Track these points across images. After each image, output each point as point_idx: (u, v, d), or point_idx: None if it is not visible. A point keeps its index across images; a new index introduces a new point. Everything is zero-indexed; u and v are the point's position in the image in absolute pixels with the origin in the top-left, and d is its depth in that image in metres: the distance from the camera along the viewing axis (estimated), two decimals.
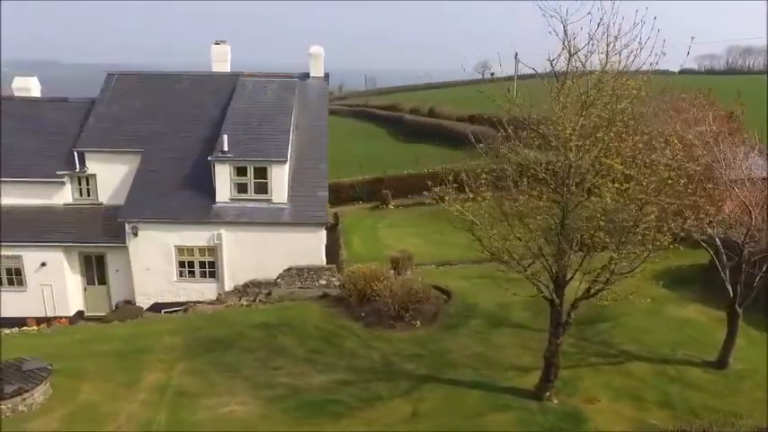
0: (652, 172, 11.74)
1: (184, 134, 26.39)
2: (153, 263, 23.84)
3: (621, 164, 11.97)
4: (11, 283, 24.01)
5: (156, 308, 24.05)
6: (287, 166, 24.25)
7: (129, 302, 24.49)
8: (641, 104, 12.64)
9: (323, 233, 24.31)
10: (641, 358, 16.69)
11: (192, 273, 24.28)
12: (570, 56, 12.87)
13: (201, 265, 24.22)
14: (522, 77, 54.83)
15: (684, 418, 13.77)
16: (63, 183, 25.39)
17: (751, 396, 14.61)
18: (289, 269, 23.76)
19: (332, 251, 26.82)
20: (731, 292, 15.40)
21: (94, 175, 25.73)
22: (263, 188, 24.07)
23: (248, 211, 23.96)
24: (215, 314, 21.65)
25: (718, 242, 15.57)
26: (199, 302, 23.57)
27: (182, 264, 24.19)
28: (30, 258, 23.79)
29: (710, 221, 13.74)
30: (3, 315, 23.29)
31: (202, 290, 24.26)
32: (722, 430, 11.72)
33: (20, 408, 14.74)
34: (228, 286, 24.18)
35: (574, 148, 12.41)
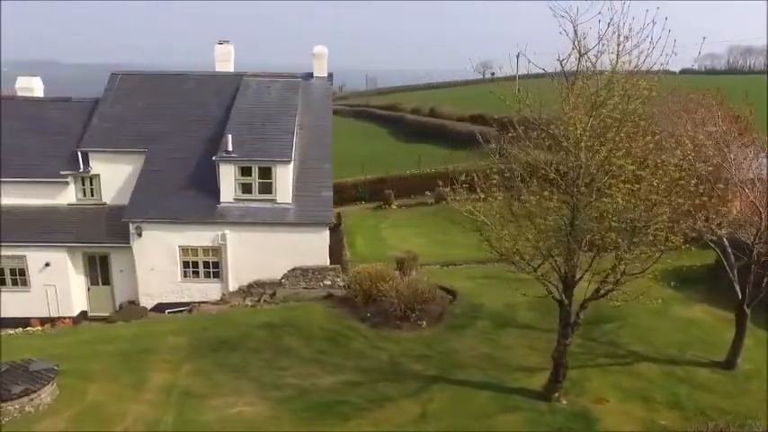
0: (664, 173, 11.70)
1: (188, 134, 26.35)
2: (157, 263, 23.80)
3: (632, 164, 11.92)
4: (14, 283, 23.98)
5: (160, 308, 24.01)
6: (291, 167, 24.23)
7: (133, 303, 24.44)
8: (652, 105, 12.59)
9: (327, 233, 24.27)
10: (649, 359, 16.65)
11: (196, 273, 24.23)
12: (580, 56, 12.84)
13: (206, 265, 24.17)
14: (523, 77, 54.87)
15: (694, 418, 13.76)
16: (67, 183, 25.35)
17: (760, 396, 14.56)
18: (293, 269, 23.72)
19: (335, 251, 26.77)
20: (739, 292, 15.36)
21: (98, 176, 25.70)
22: (267, 188, 24.03)
23: (252, 211, 23.92)
24: (220, 314, 21.62)
25: (726, 242, 15.54)
26: (203, 303, 23.55)
27: (186, 264, 24.14)
28: (33, 258, 23.75)
29: (720, 222, 13.71)
30: (7, 315, 23.23)
31: (206, 290, 24.22)
32: (738, 431, 11.67)
33: (27, 408, 14.69)
34: (233, 286, 24.14)
35: (584, 148, 12.38)
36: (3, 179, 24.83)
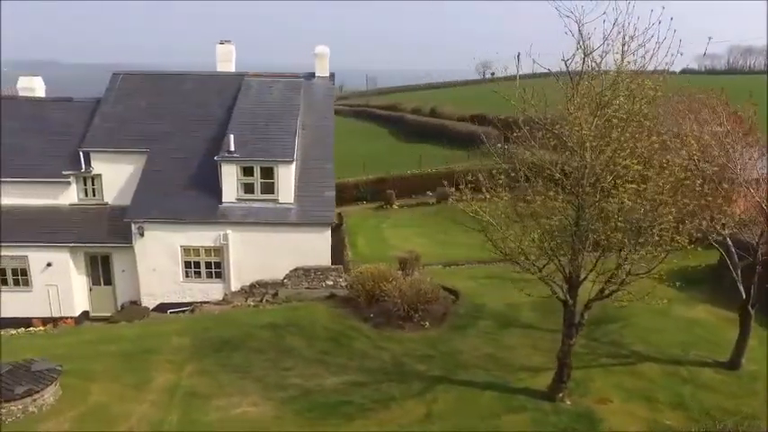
0: (670, 173, 11.69)
1: (190, 134, 26.33)
2: (159, 263, 23.78)
3: (637, 164, 11.91)
4: (16, 283, 23.97)
5: (162, 308, 24.00)
6: (293, 167, 24.20)
7: (135, 303, 24.43)
8: (657, 105, 12.57)
9: (329, 233, 24.26)
10: (652, 359, 16.63)
11: (197, 273, 24.22)
12: (585, 56, 12.83)
13: (208, 265, 24.16)
14: (525, 77, 54.77)
15: (698, 419, 13.75)
16: (68, 183, 25.34)
17: (765, 397, 14.54)
18: (295, 269, 23.70)
19: (337, 251, 26.75)
20: (743, 292, 15.35)
21: (100, 175, 25.69)
22: (269, 188, 24.00)
23: (255, 211, 23.91)
24: (222, 315, 21.59)
25: (730, 242, 15.52)
26: (205, 303, 23.54)
27: (188, 264, 24.13)
28: (35, 259, 23.74)
29: (725, 222, 13.70)
30: (9, 316, 23.25)
31: (208, 290, 24.21)
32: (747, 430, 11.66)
33: (30, 409, 14.67)
34: (235, 286, 24.13)
35: (589, 148, 12.37)
36: (5, 179, 24.82)
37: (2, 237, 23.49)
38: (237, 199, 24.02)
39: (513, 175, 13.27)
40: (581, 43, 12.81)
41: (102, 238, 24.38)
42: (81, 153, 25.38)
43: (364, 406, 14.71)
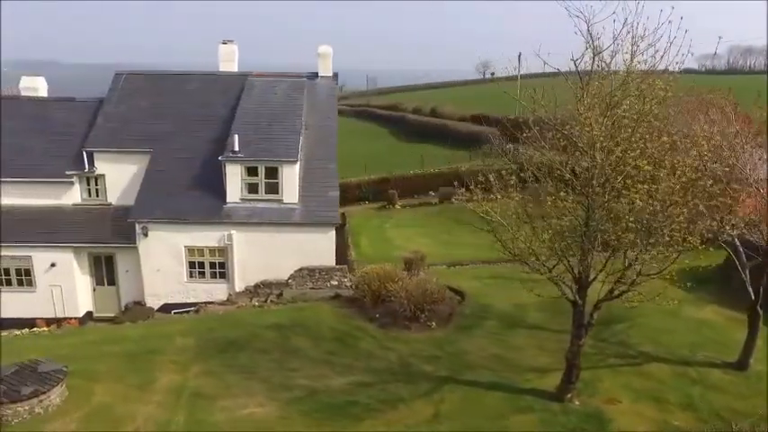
0: (681, 173, 11.64)
1: (193, 134, 26.27)
2: (163, 263, 23.71)
3: (648, 164, 11.86)
4: (20, 283, 23.91)
5: (166, 308, 23.93)
6: (297, 167, 24.14)
7: (139, 303, 24.36)
8: (668, 105, 12.52)
9: (333, 233, 24.20)
10: (660, 359, 16.59)
11: (202, 273, 24.16)
12: (594, 55, 12.78)
13: (212, 265, 24.10)
14: (526, 77, 54.78)
15: (708, 420, 13.72)
16: (72, 183, 25.27)
17: None
18: (300, 269, 23.64)
19: (340, 251, 26.70)
20: (752, 293, 15.30)
21: (103, 176, 25.63)
22: (273, 188, 23.94)
23: (259, 211, 23.84)
24: (227, 315, 21.52)
25: (738, 243, 15.47)
26: (209, 303, 23.46)
27: (192, 264, 24.06)
28: (39, 259, 23.67)
29: (735, 223, 13.65)
30: (13, 316, 23.19)
31: (212, 290, 24.14)
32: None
33: (36, 410, 14.60)
34: (239, 287, 24.06)
35: (599, 148, 12.32)
36: (9, 179, 24.77)
37: (6, 237, 23.42)
38: (241, 199, 23.95)
39: (521, 175, 13.22)
40: (590, 43, 12.77)
41: (105, 238, 24.31)
42: (84, 153, 25.32)
43: (371, 406, 14.65)
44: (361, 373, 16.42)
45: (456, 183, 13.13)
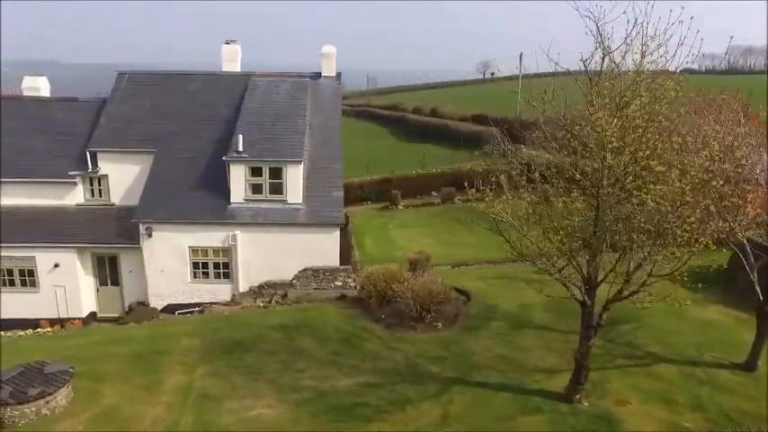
0: (695, 174, 11.61)
1: (197, 134, 26.20)
2: (167, 264, 23.64)
3: (659, 165, 11.83)
4: (24, 284, 23.81)
5: (170, 309, 23.86)
6: (302, 167, 24.08)
7: (142, 304, 24.28)
8: (679, 105, 12.49)
9: (338, 234, 24.15)
10: (667, 360, 16.58)
11: (206, 274, 24.08)
12: (604, 56, 12.75)
13: (216, 266, 24.01)
14: (528, 77, 54.75)
15: (718, 421, 13.71)
16: (75, 183, 25.19)
17: None
18: (304, 270, 23.58)
19: (343, 252, 26.64)
20: (761, 294, 15.26)
21: (106, 176, 25.54)
22: (278, 189, 23.88)
23: (263, 211, 23.78)
24: (232, 315, 21.47)
25: (746, 243, 15.42)
26: (214, 303, 23.40)
27: (196, 265, 23.98)
28: (43, 259, 23.58)
29: (746, 223, 13.62)
30: (16, 316, 23.09)
31: (216, 291, 24.07)
32: None
33: (43, 411, 14.56)
34: (243, 287, 24.00)
35: (609, 149, 12.28)
36: (11, 180, 24.69)
37: (9, 238, 23.34)
38: (246, 199, 23.89)
39: (529, 176, 13.18)
40: (600, 43, 12.73)
41: (109, 238, 24.22)
42: (87, 153, 25.23)
43: (380, 408, 14.61)
44: (368, 374, 16.38)
45: (466, 183, 13.02)
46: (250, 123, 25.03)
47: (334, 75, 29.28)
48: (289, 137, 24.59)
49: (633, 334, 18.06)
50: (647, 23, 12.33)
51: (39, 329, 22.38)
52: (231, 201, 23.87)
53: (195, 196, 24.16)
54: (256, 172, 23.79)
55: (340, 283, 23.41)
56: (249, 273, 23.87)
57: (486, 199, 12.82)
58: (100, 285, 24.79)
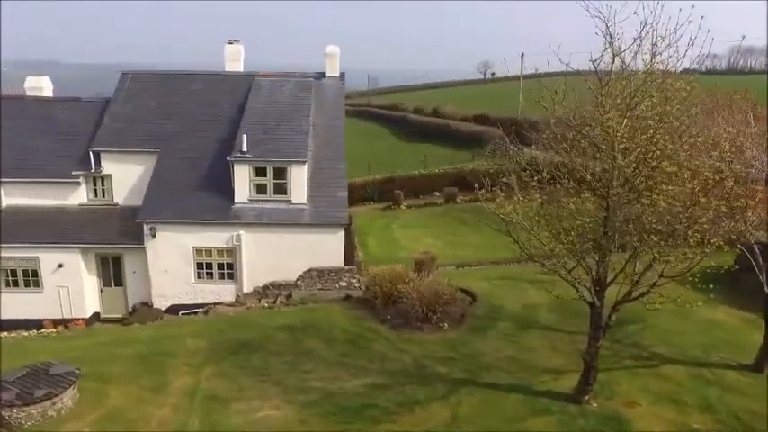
0: (710, 174, 11.57)
1: (200, 134, 26.13)
2: (171, 264, 23.57)
3: (670, 166, 11.79)
4: (27, 284, 23.73)
5: (174, 310, 23.79)
6: (306, 167, 24.02)
7: (146, 304, 24.21)
8: (689, 105, 12.44)
9: (342, 234, 24.09)
10: (674, 361, 16.54)
11: (210, 274, 24.01)
12: (614, 56, 12.70)
13: (220, 266, 23.94)
14: (529, 76, 54.77)
15: (727, 422, 13.66)
16: (78, 183, 25.09)
17: None
18: (309, 270, 23.51)
19: (347, 252, 26.59)
20: None
21: (110, 176, 25.46)
22: (282, 189, 23.82)
23: (267, 212, 23.71)
24: (237, 316, 21.42)
25: (754, 244, 15.39)
26: (218, 304, 23.33)
27: (200, 265, 23.91)
28: (46, 260, 23.50)
29: (758, 224, 13.59)
30: (20, 317, 23.03)
31: (220, 291, 24.01)
32: None
33: (49, 412, 14.50)
34: (247, 288, 23.93)
35: (618, 149, 12.24)
36: (14, 180, 24.62)
37: (13, 238, 23.27)
38: (250, 200, 23.82)
39: (539, 177, 13.13)
40: (609, 43, 12.69)
41: (113, 238, 24.15)
42: (91, 153, 25.14)
43: (389, 409, 14.56)
44: (376, 374, 16.33)
45: (476, 185, 12.97)
46: (254, 123, 24.97)
47: (337, 75, 29.23)
48: (293, 137, 24.52)
49: (639, 334, 18.03)
50: (657, 23, 12.31)
51: (43, 330, 22.33)
52: (235, 201, 23.80)
53: (199, 196, 24.09)
54: (260, 172, 23.73)
55: (345, 284, 23.35)
56: (253, 273, 23.80)
57: (498, 200, 12.77)
58: (103, 286, 24.72)
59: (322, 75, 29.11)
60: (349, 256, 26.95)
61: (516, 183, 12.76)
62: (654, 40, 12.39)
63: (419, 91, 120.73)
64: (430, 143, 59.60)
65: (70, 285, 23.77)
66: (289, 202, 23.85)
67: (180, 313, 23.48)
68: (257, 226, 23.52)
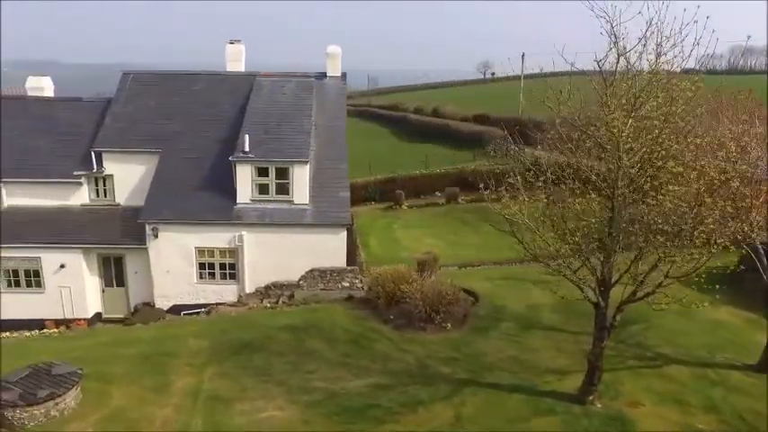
0: (717, 174, 11.55)
1: (202, 134, 26.11)
2: (173, 264, 23.54)
3: (676, 166, 11.77)
4: (29, 284, 23.71)
5: (176, 310, 23.77)
6: (308, 167, 24.00)
7: (148, 304, 24.20)
8: (696, 105, 12.42)
9: (344, 234, 24.06)
10: (679, 361, 16.50)
11: (212, 274, 23.99)
12: (619, 56, 12.67)
13: (222, 266, 23.92)
14: (529, 76, 54.75)
15: (732, 422, 13.63)
16: (80, 183, 25.06)
17: None
18: (311, 270, 23.48)
19: (349, 252, 26.56)
20: None
21: (111, 176, 25.43)
22: (284, 189, 23.79)
23: (270, 212, 23.69)
24: (239, 316, 21.38)
25: (759, 244, 15.37)
26: (220, 304, 23.31)
27: (202, 265, 23.89)
28: (48, 260, 23.49)
29: (763, 225, 13.57)
30: (21, 317, 23.02)
31: (222, 292, 23.98)
32: None
33: (52, 413, 14.45)
34: (249, 288, 23.91)
35: (623, 149, 12.21)
36: (16, 180, 24.61)
37: (15, 238, 23.25)
38: (252, 200, 23.79)
39: (544, 177, 13.11)
40: (614, 43, 12.66)
41: (115, 239, 24.12)
42: (92, 153, 25.11)
43: (392, 409, 14.51)
44: (379, 375, 16.29)
45: (481, 185, 12.95)
46: (256, 123, 24.94)
47: (339, 75, 29.20)
48: (294, 137, 24.50)
49: (643, 335, 18.00)
50: (663, 23, 12.28)
51: (44, 330, 22.30)
52: (237, 201, 23.78)
53: (201, 196, 24.07)
54: (263, 172, 23.70)
55: (347, 284, 23.32)
56: (255, 273, 23.77)
57: (503, 200, 12.74)
58: (105, 286, 24.70)
59: (323, 75, 29.08)
60: (351, 257, 26.90)
61: (522, 183, 12.72)
62: (659, 40, 12.38)
63: (419, 91, 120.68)
64: (430, 143, 59.59)
65: (72, 285, 23.75)
66: (291, 202, 23.82)
67: (182, 313, 23.45)
68: (259, 226, 23.49)
